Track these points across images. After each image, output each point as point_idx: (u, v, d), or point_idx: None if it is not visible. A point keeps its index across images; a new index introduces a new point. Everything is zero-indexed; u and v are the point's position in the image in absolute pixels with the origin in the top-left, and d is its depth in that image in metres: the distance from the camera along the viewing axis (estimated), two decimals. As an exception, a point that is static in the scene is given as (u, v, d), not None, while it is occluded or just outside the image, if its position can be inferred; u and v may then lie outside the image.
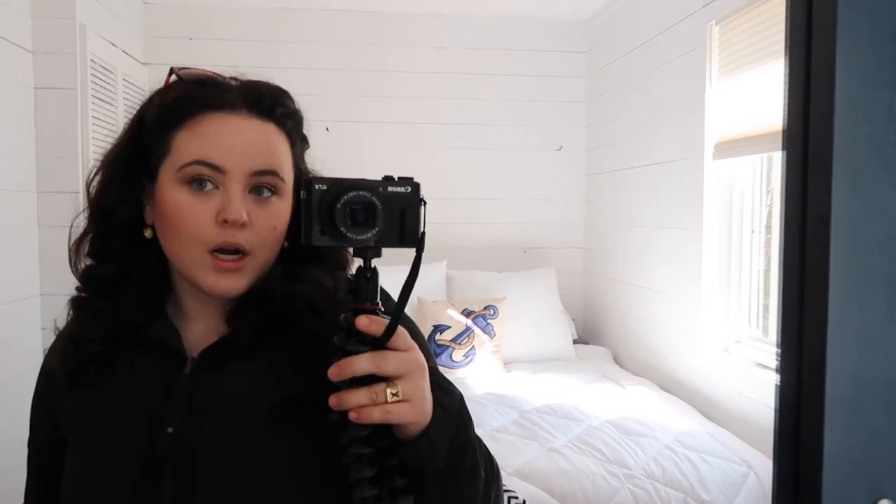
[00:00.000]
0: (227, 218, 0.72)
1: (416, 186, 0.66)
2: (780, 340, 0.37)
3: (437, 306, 3.09)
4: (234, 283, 0.74)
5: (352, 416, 0.61)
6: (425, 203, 0.65)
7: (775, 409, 0.38)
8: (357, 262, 0.66)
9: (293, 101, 0.80)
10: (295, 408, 0.73)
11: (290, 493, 0.72)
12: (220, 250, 0.73)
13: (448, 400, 0.69)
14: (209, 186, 0.73)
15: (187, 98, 0.75)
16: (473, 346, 3.01)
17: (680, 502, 1.86)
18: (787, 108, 0.36)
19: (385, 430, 0.65)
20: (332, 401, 0.61)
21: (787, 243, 0.35)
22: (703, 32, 2.55)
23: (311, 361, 0.70)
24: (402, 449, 0.65)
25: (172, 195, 0.74)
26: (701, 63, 2.56)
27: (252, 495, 0.71)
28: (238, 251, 0.74)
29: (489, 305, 3.10)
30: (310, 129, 0.85)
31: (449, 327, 3.03)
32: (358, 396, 0.61)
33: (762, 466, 2.02)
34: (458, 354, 2.99)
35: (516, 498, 1.81)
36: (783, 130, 0.37)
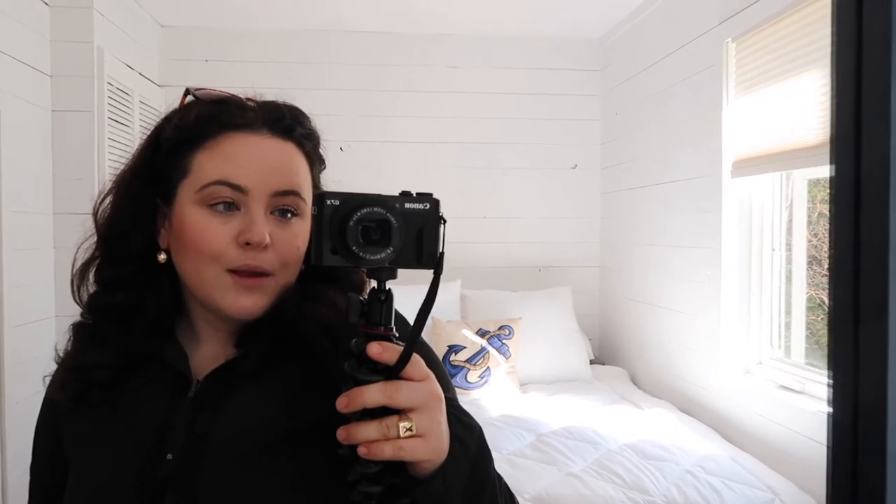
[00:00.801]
0: (249, 240, 0.70)
1: (436, 203, 0.61)
2: (831, 374, 0.34)
3: (452, 326, 3.06)
4: (254, 302, 0.72)
5: (361, 451, 0.56)
6: (445, 221, 0.61)
7: (827, 454, 0.35)
8: (371, 284, 0.61)
9: (311, 121, 0.79)
10: (301, 438, 0.70)
11: None
12: (240, 270, 0.71)
13: (466, 435, 0.65)
14: (231, 207, 0.72)
15: (208, 117, 0.74)
16: (489, 367, 2.97)
17: (703, 530, 1.80)
18: (834, 118, 0.34)
19: (397, 467, 0.60)
20: (341, 434, 0.57)
21: (837, 265, 0.32)
22: (719, 50, 2.53)
23: (322, 388, 0.66)
24: (415, 488, 0.60)
25: (192, 216, 0.72)
26: (717, 81, 2.54)
27: None
28: (260, 273, 0.72)
29: (504, 325, 3.07)
30: (325, 149, 0.84)
31: (464, 347, 2.99)
32: (368, 430, 0.56)
33: (787, 493, 1.96)
34: (473, 375, 2.95)
35: (534, 525, 1.77)
36: (830, 141, 0.34)
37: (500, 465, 2.11)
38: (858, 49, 0.32)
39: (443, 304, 3.20)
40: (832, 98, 0.35)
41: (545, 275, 3.69)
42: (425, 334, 2.53)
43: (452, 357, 2.98)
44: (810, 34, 2.06)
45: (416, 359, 0.58)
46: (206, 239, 0.71)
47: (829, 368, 0.36)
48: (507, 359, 3.01)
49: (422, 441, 0.57)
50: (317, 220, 0.59)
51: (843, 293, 0.32)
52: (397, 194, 0.60)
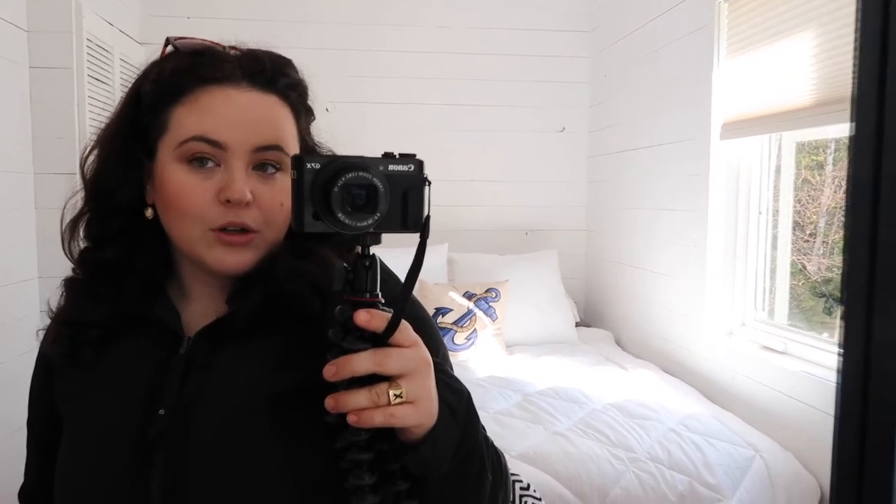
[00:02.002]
0: (229, 197, 0.69)
1: (420, 164, 0.59)
2: (844, 319, 0.34)
3: (439, 289, 3.06)
4: (240, 258, 0.71)
5: (351, 419, 0.56)
6: (430, 183, 0.59)
7: (836, 396, 0.35)
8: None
9: (297, 71, 0.77)
10: (292, 398, 0.69)
11: (283, 484, 0.68)
12: (224, 228, 0.70)
13: (455, 400, 0.65)
14: (210, 164, 0.70)
15: (184, 71, 0.71)
16: (475, 329, 2.99)
17: (685, 486, 1.84)
18: (857, 76, 0.33)
19: (386, 434, 0.60)
20: (329, 403, 0.56)
21: (856, 216, 0.32)
22: (711, 10, 2.50)
23: (313, 348, 0.64)
24: (405, 454, 0.61)
25: (172, 174, 0.71)
26: (709, 42, 2.52)
27: (243, 483, 0.68)
28: (244, 229, 0.70)
29: (491, 288, 3.08)
30: (313, 105, 0.81)
31: (451, 310, 3.01)
32: (358, 398, 0.56)
33: (768, 450, 2.01)
34: (459, 337, 2.97)
35: (521, 482, 1.79)
36: (852, 99, 0.34)
37: (487, 424, 2.13)
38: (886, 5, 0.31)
39: (430, 266, 3.20)
40: (855, 55, 0.34)
41: (532, 238, 3.70)
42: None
43: (440, 319, 2.99)
44: (803, -6, 2.04)
45: (404, 325, 0.58)
46: (187, 197, 0.70)
47: (842, 332, 0.36)
48: (493, 321, 3.02)
49: (412, 407, 0.57)
50: (296, 184, 0.57)
51: (859, 259, 0.32)
52: (380, 156, 0.59)
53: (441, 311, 3.00)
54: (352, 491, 0.59)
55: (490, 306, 3.04)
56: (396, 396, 0.56)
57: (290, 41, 3.86)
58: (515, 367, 2.77)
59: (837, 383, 0.35)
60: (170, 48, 0.75)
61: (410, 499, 0.62)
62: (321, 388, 0.58)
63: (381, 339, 0.57)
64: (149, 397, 0.71)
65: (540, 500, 1.77)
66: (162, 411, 0.70)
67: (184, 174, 0.70)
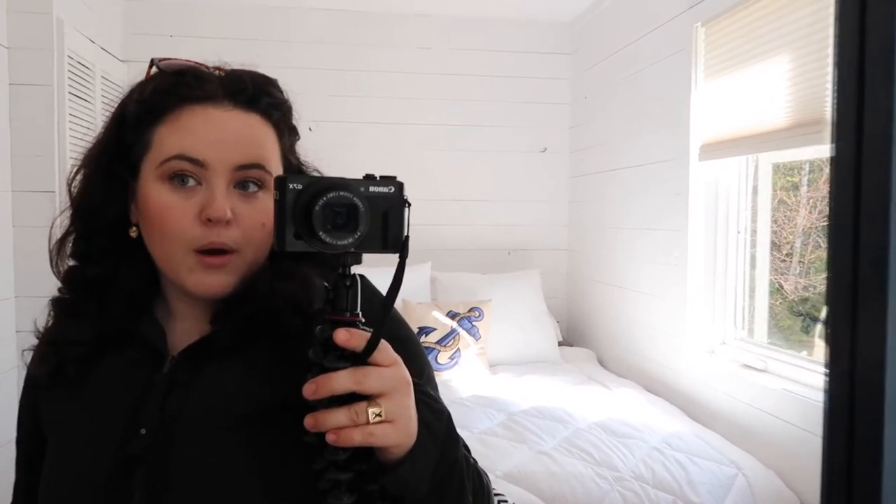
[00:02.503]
0: (210, 216, 0.69)
1: (400, 186, 0.60)
2: (830, 338, 0.35)
3: (422, 308, 3.06)
4: (220, 281, 0.71)
5: (330, 438, 0.56)
6: (409, 205, 0.61)
7: (824, 412, 0.36)
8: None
9: (280, 91, 0.77)
10: (274, 415, 0.69)
11: (262, 501, 0.68)
12: (205, 251, 0.70)
13: (435, 420, 0.65)
14: (191, 182, 0.70)
15: (166, 91, 0.72)
16: (459, 349, 2.98)
17: (669, 504, 1.85)
18: (836, 98, 0.34)
19: (365, 453, 0.60)
20: (308, 422, 0.56)
21: (836, 236, 0.33)
22: (688, 34, 2.56)
23: (295, 366, 0.64)
24: (383, 474, 0.61)
25: (154, 193, 0.71)
26: (686, 65, 2.57)
27: (222, 501, 0.68)
28: (223, 251, 0.71)
29: (474, 307, 3.08)
30: (297, 124, 0.82)
31: (434, 329, 3.00)
32: (337, 417, 0.56)
33: (750, 468, 2.02)
34: (443, 357, 2.97)
35: (506, 501, 1.79)
36: (832, 123, 0.35)
37: (472, 444, 2.12)
38: (862, 25, 0.32)
39: (413, 286, 3.20)
40: (834, 73, 0.35)
41: (514, 257, 3.72)
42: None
43: (423, 339, 2.98)
44: (779, 19, 2.09)
45: (384, 344, 0.58)
46: (169, 217, 0.70)
47: (827, 348, 0.37)
48: (476, 340, 3.02)
49: (391, 426, 0.57)
50: (279, 204, 0.58)
51: (841, 272, 0.33)
52: (361, 178, 0.60)
53: (424, 331, 3.00)
54: None
55: (473, 325, 3.04)
56: (376, 415, 0.56)
57: (274, 60, 3.87)
58: (499, 386, 2.77)
59: (825, 400, 0.36)
60: (154, 69, 0.75)
61: None
62: (301, 407, 0.58)
63: (360, 358, 0.57)
64: (131, 416, 0.71)
65: (525, 520, 1.76)
66: (143, 430, 0.70)
67: (165, 193, 0.71)
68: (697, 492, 1.88)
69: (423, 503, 0.63)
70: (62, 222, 0.78)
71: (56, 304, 0.78)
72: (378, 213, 0.59)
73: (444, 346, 2.98)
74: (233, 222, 0.70)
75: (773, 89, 2.13)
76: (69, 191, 0.78)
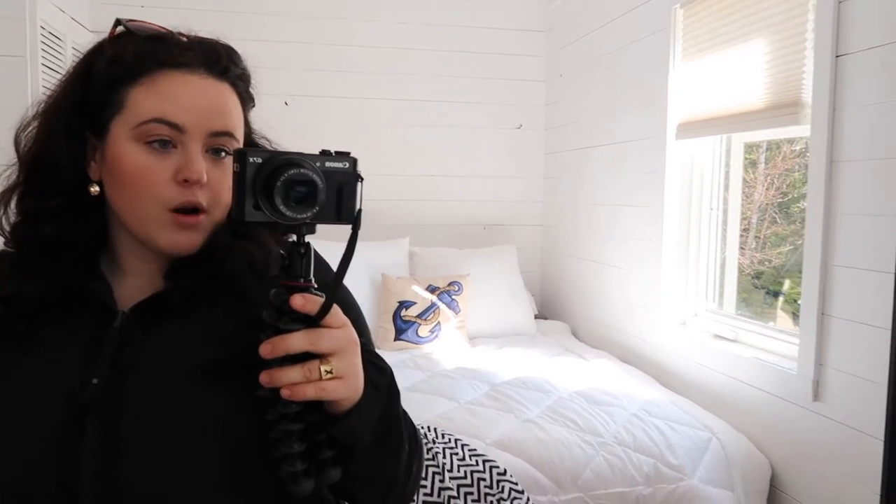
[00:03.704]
0: (188, 177, 0.73)
1: (354, 162, 0.65)
2: None
3: (402, 282, 3.10)
4: (191, 239, 0.75)
5: (284, 392, 0.61)
6: (362, 179, 0.65)
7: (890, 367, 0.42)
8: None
9: (242, 61, 0.81)
10: (225, 370, 0.73)
11: (216, 453, 0.72)
12: (180, 209, 0.74)
13: (379, 377, 0.72)
14: (168, 145, 0.73)
15: (146, 54, 0.74)
16: (439, 322, 3.04)
17: (651, 467, 1.95)
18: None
19: (315, 407, 0.65)
20: (264, 378, 0.61)
21: None
22: (667, 15, 2.62)
23: (247, 323, 0.68)
24: (332, 425, 0.66)
25: (129, 153, 0.73)
26: (665, 45, 2.64)
27: (175, 452, 0.71)
28: (196, 209, 0.74)
29: (453, 282, 3.14)
30: (259, 100, 0.85)
31: (414, 303, 3.05)
32: (291, 373, 0.61)
33: (723, 431, 2.14)
34: (423, 330, 3.02)
35: (497, 467, 1.86)
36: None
37: (460, 414, 2.19)
38: None
39: (392, 260, 3.23)
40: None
41: (490, 233, 3.78)
42: (376, 290, 2.64)
43: (403, 312, 3.03)
44: (756, 3, 2.16)
45: (335, 308, 0.63)
46: (145, 177, 0.73)
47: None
48: (456, 314, 3.08)
49: (341, 382, 0.63)
50: (239, 176, 0.61)
51: None
52: (318, 153, 0.64)
53: (405, 305, 3.04)
54: (282, 458, 0.64)
55: (453, 299, 3.09)
56: (327, 372, 0.62)
57: (246, 33, 3.81)
58: (480, 358, 2.84)
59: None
60: (120, 28, 0.77)
61: (335, 465, 0.67)
62: (253, 364, 0.62)
63: (313, 321, 0.62)
64: (82, 368, 0.73)
65: (517, 483, 1.84)
66: (95, 380, 0.72)
67: (142, 154, 0.73)
68: (676, 454, 1.99)
69: (367, 451, 0.70)
70: (8, 175, 0.78)
71: (1, 258, 0.78)
72: (333, 187, 0.63)
73: (425, 319, 3.03)
74: (206, 184, 0.74)
75: (750, 71, 2.21)
76: (16, 146, 0.78)
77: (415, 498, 1.77)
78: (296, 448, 0.64)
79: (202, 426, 0.72)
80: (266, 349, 0.61)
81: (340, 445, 0.68)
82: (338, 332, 0.63)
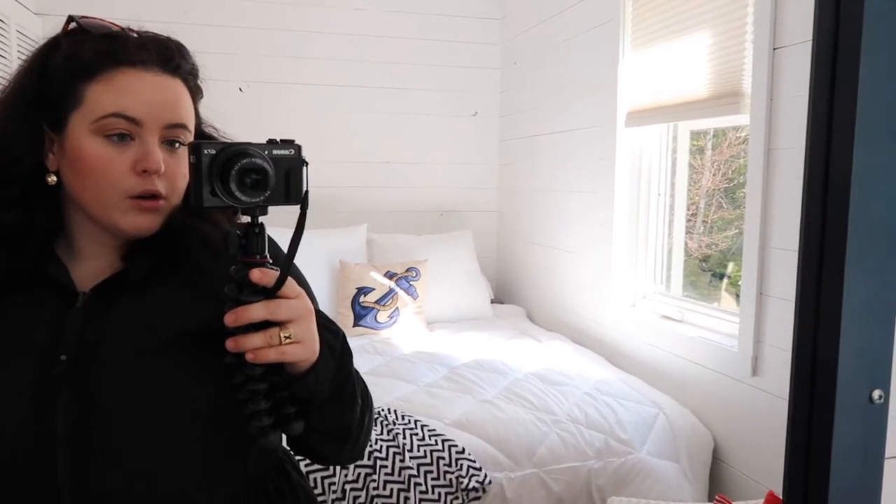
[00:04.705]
0: (147, 168, 0.78)
1: (299, 149, 0.72)
2: (796, 326, 0.46)
3: (360, 269, 3.13)
4: (150, 221, 0.80)
5: (248, 357, 0.68)
6: (307, 164, 0.72)
7: (795, 320, 0.48)
8: (245, 219, 0.72)
9: (192, 56, 0.86)
10: (188, 340, 0.79)
11: (184, 420, 0.78)
12: (139, 196, 0.79)
13: (332, 339, 0.80)
14: (126, 138, 0.78)
15: (103, 52, 0.78)
16: (397, 308, 3.08)
17: (601, 442, 2.04)
18: (812, 91, 0.45)
19: (276, 368, 0.73)
20: (230, 344, 0.68)
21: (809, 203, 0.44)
22: (617, 5, 2.69)
23: (204, 297, 0.78)
24: (292, 384, 0.74)
25: (89, 146, 0.77)
26: (615, 35, 2.71)
27: (146, 420, 0.77)
28: (155, 196, 0.79)
29: (411, 268, 3.18)
30: (213, 87, 0.91)
31: (373, 289, 3.08)
32: (254, 340, 0.68)
33: (669, 407, 2.24)
34: (382, 316, 3.06)
35: (456, 446, 1.92)
36: (808, 118, 0.45)
37: (420, 396, 2.25)
38: (836, 33, 0.43)
39: (350, 246, 3.26)
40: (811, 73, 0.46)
41: (447, 219, 3.83)
42: (335, 276, 2.67)
43: (362, 299, 3.07)
44: (701, -3, 2.25)
45: (290, 280, 0.71)
46: (106, 168, 0.77)
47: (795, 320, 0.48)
48: (414, 299, 3.13)
49: (299, 346, 0.71)
50: (195, 167, 0.68)
51: (809, 258, 0.44)
52: (265, 142, 0.71)
53: (363, 291, 3.07)
54: (250, 415, 0.72)
55: (411, 285, 3.14)
56: (286, 338, 0.69)
57: (201, 17, 3.73)
58: (438, 342, 2.90)
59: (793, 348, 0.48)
60: (73, 25, 0.81)
61: (298, 419, 0.76)
62: (214, 334, 0.70)
63: (271, 293, 0.69)
64: (48, 346, 0.78)
65: (475, 461, 1.91)
66: (64, 356, 0.77)
67: (102, 147, 0.77)
68: (625, 430, 2.09)
69: (324, 405, 0.78)
70: None
71: None
72: (281, 172, 0.70)
73: (383, 305, 3.07)
74: (162, 174, 0.79)
75: (695, 62, 2.30)
76: None
77: (376, 478, 1.83)
78: (262, 405, 0.71)
79: (168, 392, 0.78)
80: (230, 319, 0.68)
81: (301, 401, 0.76)
82: (294, 302, 0.70)
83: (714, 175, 3.27)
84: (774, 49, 1.93)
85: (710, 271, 3.00)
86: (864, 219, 0.40)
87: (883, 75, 0.40)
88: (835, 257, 0.40)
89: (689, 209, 2.84)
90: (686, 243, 2.87)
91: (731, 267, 2.84)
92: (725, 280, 2.90)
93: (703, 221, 3.33)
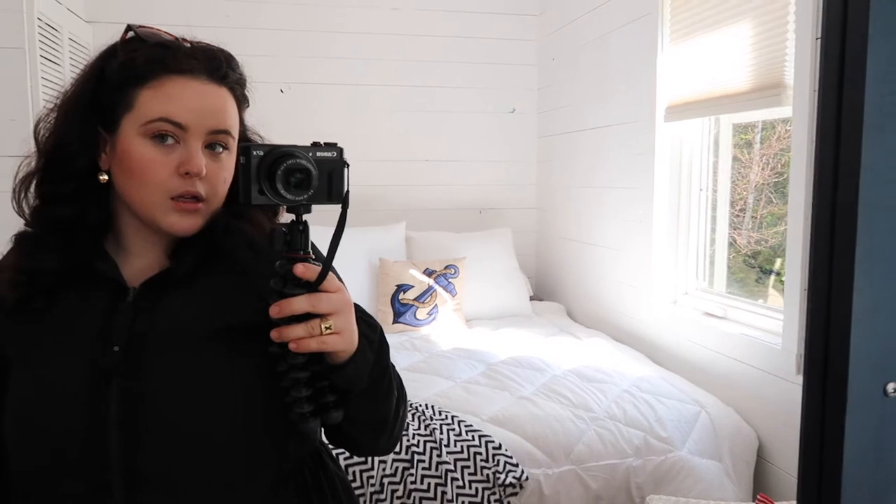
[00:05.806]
0: (189, 170, 0.82)
1: (341, 151, 0.76)
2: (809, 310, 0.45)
3: (399, 266, 3.16)
4: (191, 222, 0.84)
5: (291, 346, 0.72)
6: (349, 165, 0.76)
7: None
8: (290, 217, 0.76)
9: (240, 66, 0.90)
10: (233, 333, 0.83)
11: (230, 408, 0.82)
12: (180, 197, 0.83)
13: (371, 332, 0.83)
14: (170, 141, 0.82)
15: (155, 60, 0.82)
16: (436, 305, 3.10)
17: (640, 440, 2.02)
18: (821, 85, 0.45)
19: (317, 358, 0.76)
20: (274, 334, 0.72)
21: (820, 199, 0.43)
22: (655, -1, 2.65)
23: (246, 293, 0.83)
24: (332, 373, 0.78)
25: (137, 147, 0.82)
26: (653, 29, 2.68)
27: (194, 408, 0.81)
28: (196, 198, 0.83)
29: (450, 265, 3.20)
30: (255, 89, 0.93)
31: (412, 287, 3.11)
32: (297, 330, 0.72)
33: (712, 405, 2.21)
34: (421, 313, 3.08)
35: (493, 442, 1.93)
36: (817, 126, 0.45)
37: (457, 392, 2.26)
38: (844, 23, 0.42)
39: (389, 244, 3.29)
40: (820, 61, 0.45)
41: (485, 216, 3.83)
42: (374, 274, 2.72)
43: (401, 296, 3.10)
44: (741, -13, 2.20)
45: (330, 275, 0.74)
46: (151, 169, 0.82)
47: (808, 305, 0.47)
48: (453, 296, 3.14)
49: (339, 337, 0.74)
50: (244, 167, 0.73)
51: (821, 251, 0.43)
52: (309, 144, 0.75)
53: (403, 288, 3.10)
54: (292, 402, 0.76)
55: (449, 282, 3.15)
56: (327, 329, 0.73)
57: (242, 21, 3.83)
58: (476, 339, 2.91)
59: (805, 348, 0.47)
60: (131, 34, 0.86)
61: (337, 408, 0.79)
62: (256, 327, 0.76)
63: (313, 286, 0.73)
64: (101, 338, 0.82)
65: (511, 457, 1.91)
66: (116, 348, 0.82)
67: (148, 149, 0.82)
68: (665, 427, 2.06)
69: (362, 395, 0.82)
70: (29, 162, 0.86)
71: (21, 238, 0.87)
72: (324, 173, 0.74)
73: (422, 302, 3.10)
74: (204, 177, 0.83)
75: (735, 54, 2.25)
76: (35, 136, 0.87)
77: (413, 472, 1.85)
78: (303, 393, 0.76)
79: (213, 380, 0.82)
80: (275, 310, 0.72)
81: (340, 391, 0.79)
82: (335, 296, 0.74)
83: (763, 169, 3.19)
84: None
85: (757, 267, 2.94)
86: (876, 211, 0.40)
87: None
88: (846, 249, 0.39)
89: (736, 204, 2.78)
90: (734, 239, 2.81)
91: (778, 263, 2.77)
92: (773, 276, 2.83)
93: (752, 217, 3.26)
